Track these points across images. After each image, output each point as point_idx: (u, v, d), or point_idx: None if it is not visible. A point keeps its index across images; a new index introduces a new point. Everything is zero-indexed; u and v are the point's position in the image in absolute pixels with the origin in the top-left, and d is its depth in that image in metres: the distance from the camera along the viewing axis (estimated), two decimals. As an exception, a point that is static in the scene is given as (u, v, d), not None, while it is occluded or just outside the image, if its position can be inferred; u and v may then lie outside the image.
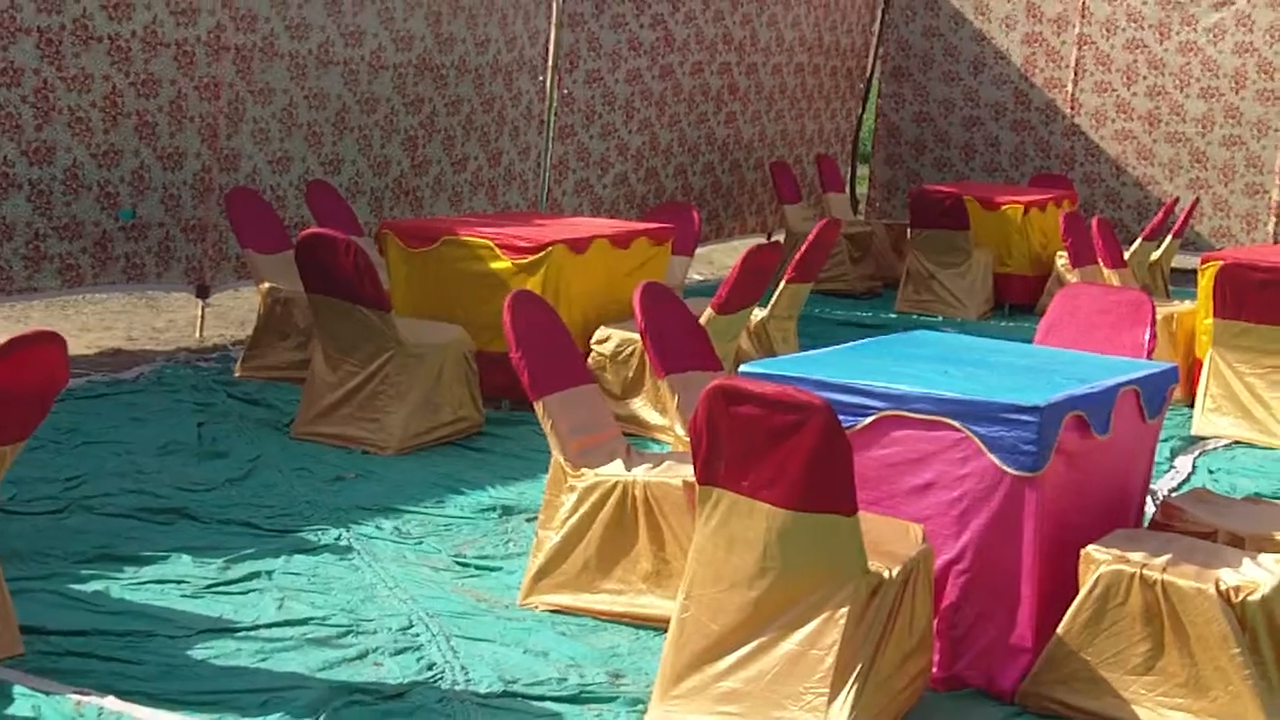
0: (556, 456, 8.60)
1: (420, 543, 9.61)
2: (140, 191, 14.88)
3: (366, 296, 11.45)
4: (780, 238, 21.04)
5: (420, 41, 17.17)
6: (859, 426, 7.61)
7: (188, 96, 15.07)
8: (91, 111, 14.39)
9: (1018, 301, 19.78)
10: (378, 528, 9.80)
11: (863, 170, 25.20)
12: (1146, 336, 9.88)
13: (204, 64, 15.14)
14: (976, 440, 7.58)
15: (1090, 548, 7.53)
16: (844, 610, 6.83)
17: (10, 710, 6.95)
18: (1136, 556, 7.38)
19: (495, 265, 12.91)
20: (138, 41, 14.59)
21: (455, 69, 17.66)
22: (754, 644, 6.98)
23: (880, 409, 7.77)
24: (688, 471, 8.11)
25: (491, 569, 9.22)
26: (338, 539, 9.56)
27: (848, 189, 23.58)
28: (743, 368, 8.14)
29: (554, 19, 19.19)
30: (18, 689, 7.11)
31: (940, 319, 18.39)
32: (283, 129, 16.01)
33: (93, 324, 15.54)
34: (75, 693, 7.13)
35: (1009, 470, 7.54)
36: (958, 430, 7.62)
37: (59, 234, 14.37)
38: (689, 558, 7.14)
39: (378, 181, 17.09)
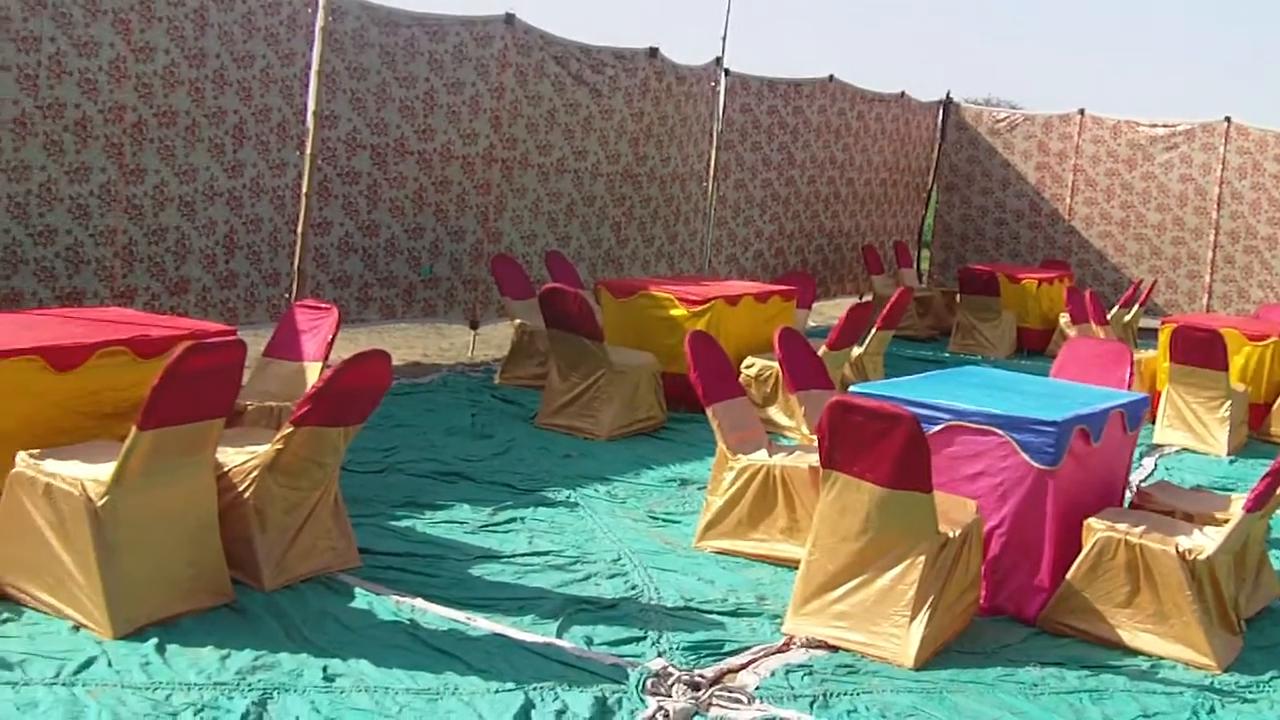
0: (720, 446, 8.63)
1: (624, 502, 9.63)
2: (435, 255, 15.06)
3: (588, 331, 11.55)
4: (869, 298, 21.03)
5: (624, 158, 17.23)
6: (932, 431, 7.60)
7: (469, 193, 15.22)
8: (405, 202, 14.59)
9: (1033, 347, 19.66)
10: (595, 490, 9.83)
11: (925, 253, 25.07)
12: (1127, 375, 9.85)
13: (481, 170, 15.30)
14: (1014, 443, 7.60)
15: (1090, 520, 7.57)
16: (921, 558, 6.89)
17: (353, 604, 7.07)
18: (1122, 526, 7.42)
19: (675, 312, 12.94)
20: (437, 155, 14.77)
21: (647, 176, 17.71)
22: (858, 580, 7.04)
23: (947, 419, 7.79)
24: (812, 459, 8.17)
25: (673, 521, 9.22)
26: (568, 498, 9.59)
27: (915, 265, 23.46)
28: (851, 388, 8.14)
29: (714, 144, 19.21)
30: (357, 590, 7.26)
31: (980, 358, 18.29)
32: (530, 215, 16.12)
33: (400, 345, 15.66)
34: (395, 595, 7.23)
35: (1035, 465, 7.57)
36: (1001, 436, 7.63)
37: (381, 283, 14.56)
38: (814, 520, 7.18)
39: (593, 252, 17.17)
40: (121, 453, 6.37)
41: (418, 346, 15.94)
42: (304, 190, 13.13)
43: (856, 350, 13.17)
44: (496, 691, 6.12)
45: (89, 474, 6.48)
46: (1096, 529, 7.48)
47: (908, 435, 6.74)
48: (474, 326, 15.75)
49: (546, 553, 8.26)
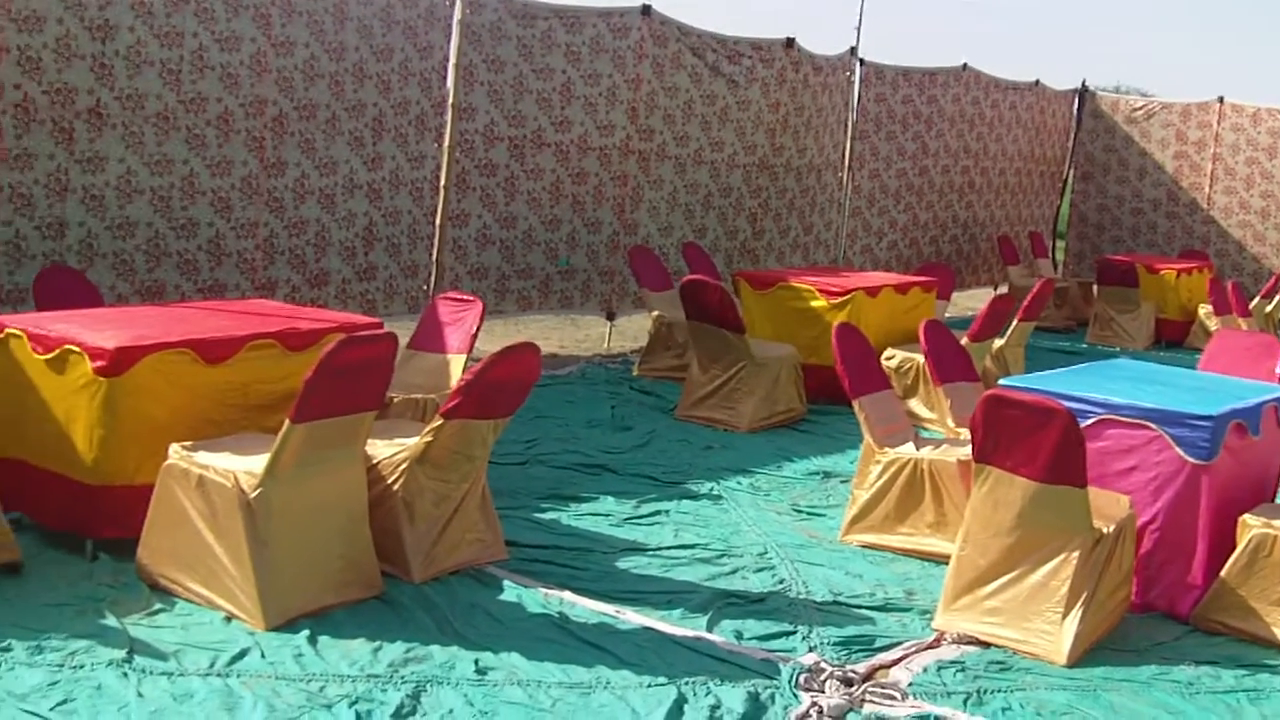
0: (867, 439, 8.55)
1: (768, 494, 9.57)
2: (572, 247, 15.07)
3: (729, 323, 11.49)
4: (1005, 289, 20.83)
5: (760, 149, 17.15)
6: (1084, 425, 7.47)
7: (606, 184, 15.22)
8: (542, 194, 14.62)
9: (1171, 339, 19.38)
10: (738, 483, 9.78)
11: (1059, 243, 24.77)
12: (1278, 368, 9.69)
13: (617, 162, 15.29)
14: (1167, 438, 7.47)
15: (1245, 516, 7.43)
16: (1075, 554, 6.79)
17: (501, 597, 7.08)
18: (1278, 523, 7.24)
19: (815, 303, 12.85)
20: (574, 147, 14.78)
21: (783, 167, 17.62)
22: (1010, 575, 6.95)
23: (1099, 413, 7.67)
24: (960, 453, 8.09)
25: (818, 514, 9.16)
26: (711, 490, 9.55)
27: (1050, 256, 23.21)
28: (1002, 381, 8.03)
29: (849, 134, 19.08)
30: (506, 583, 7.27)
31: (1118, 349, 18.07)
32: (667, 207, 16.09)
33: (536, 336, 15.62)
34: (543, 587, 7.23)
35: (1189, 460, 7.44)
36: (1154, 430, 7.51)
37: (518, 275, 14.60)
38: (965, 514, 7.09)
39: (730, 244, 17.11)
40: (275, 445, 6.40)
41: (553, 338, 15.94)
42: (442, 182, 13.16)
43: (998, 342, 13.02)
44: (649, 686, 6.09)
45: (242, 466, 6.52)
46: (1252, 525, 7.32)
47: (1063, 429, 6.63)
48: (610, 318, 15.76)
49: (692, 546, 8.22)
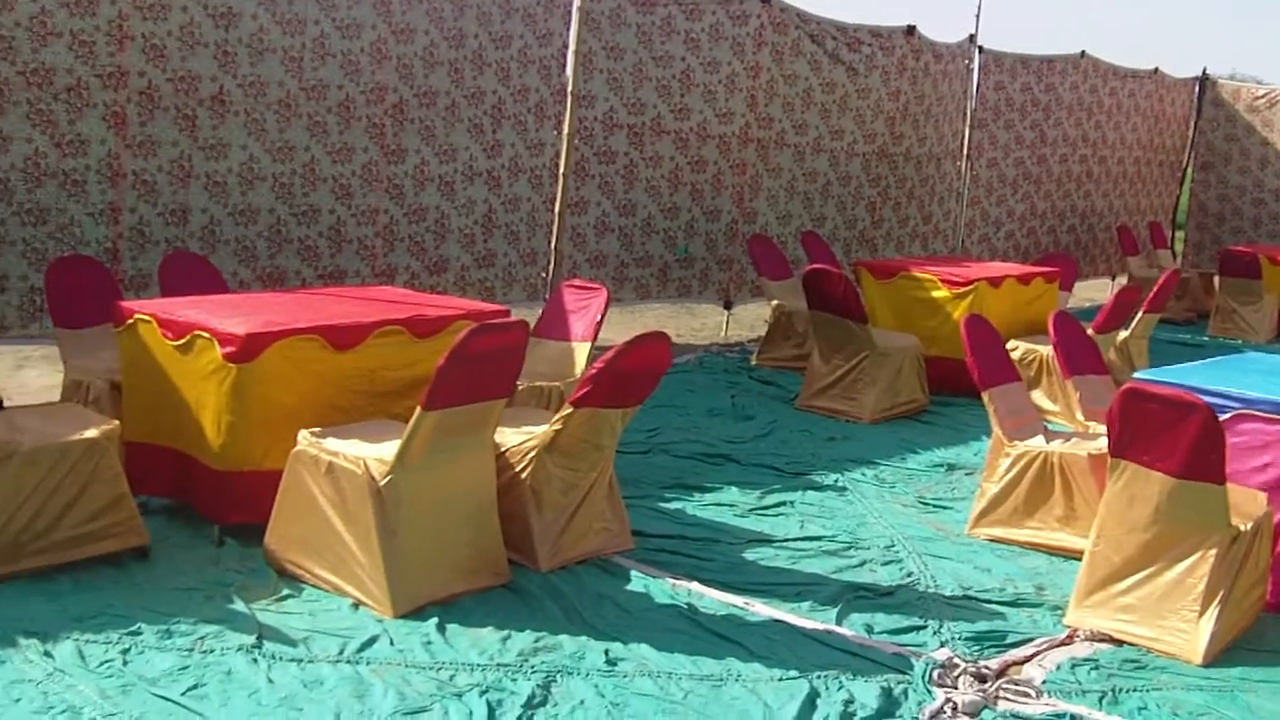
0: (996, 431, 8.43)
1: (893, 486, 9.47)
2: (690, 236, 15.03)
3: (852, 312, 11.39)
4: (1124, 279, 20.62)
5: (880, 137, 17.04)
6: (1221, 420, 7.34)
7: (724, 172, 15.16)
8: (661, 182, 14.59)
9: (1295, 332, 19.12)
10: (862, 475, 9.68)
11: (1178, 234, 24.45)
12: None
13: (736, 150, 15.23)
14: (1307, 433, 7.32)
15: (1385, 514, 7.24)
16: (1213, 552, 6.65)
17: (629, 587, 7.03)
18: None
19: (937, 293, 12.73)
20: (693, 134, 14.72)
21: (903, 156, 17.50)
22: (1145, 572, 6.82)
23: (1236, 408, 7.52)
24: (1090, 446, 7.97)
25: (943, 507, 9.05)
26: (835, 481, 9.46)
27: (1170, 246, 22.91)
28: (1137, 374, 7.91)
29: (968, 123, 18.90)
30: (633, 573, 7.22)
31: (1240, 341, 17.78)
32: (786, 195, 16.02)
33: (652, 324, 15.60)
34: (671, 578, 7.18)
35: (1329, 456, 7.27)
36: (1293, 425, 7.36)
37: (636, 263, 14.57)
38: (1099, 509, 6.97)
39: (848, 232, 17.03)
40: (406, 432, 6.38)
41: (670, 326, 15.87)
42: (561, 170, 13.13)
43: (1122, 334, 12.84)
44: (780, 679, 6.02)
45: (372, 453, 6.50)
46: (1391, 523, 7.18)
47: (1202, 424, 6.50)
48: (728, 306, 15.71)
49: (819, 538, 8.14)
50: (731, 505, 8.68)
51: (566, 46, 13.31)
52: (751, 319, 16.57)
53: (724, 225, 15.39)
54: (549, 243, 13.36)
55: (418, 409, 6.32)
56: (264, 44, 11.14)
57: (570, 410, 6.96)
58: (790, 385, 12.45)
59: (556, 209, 13.19)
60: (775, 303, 13.73)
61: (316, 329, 7.26)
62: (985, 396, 8.47)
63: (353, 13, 11.68)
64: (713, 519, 8.36)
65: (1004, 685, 6.19)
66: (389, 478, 6.39)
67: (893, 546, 8.07)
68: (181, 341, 7.23)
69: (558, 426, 7.01)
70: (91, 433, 6.76)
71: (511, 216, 13.30)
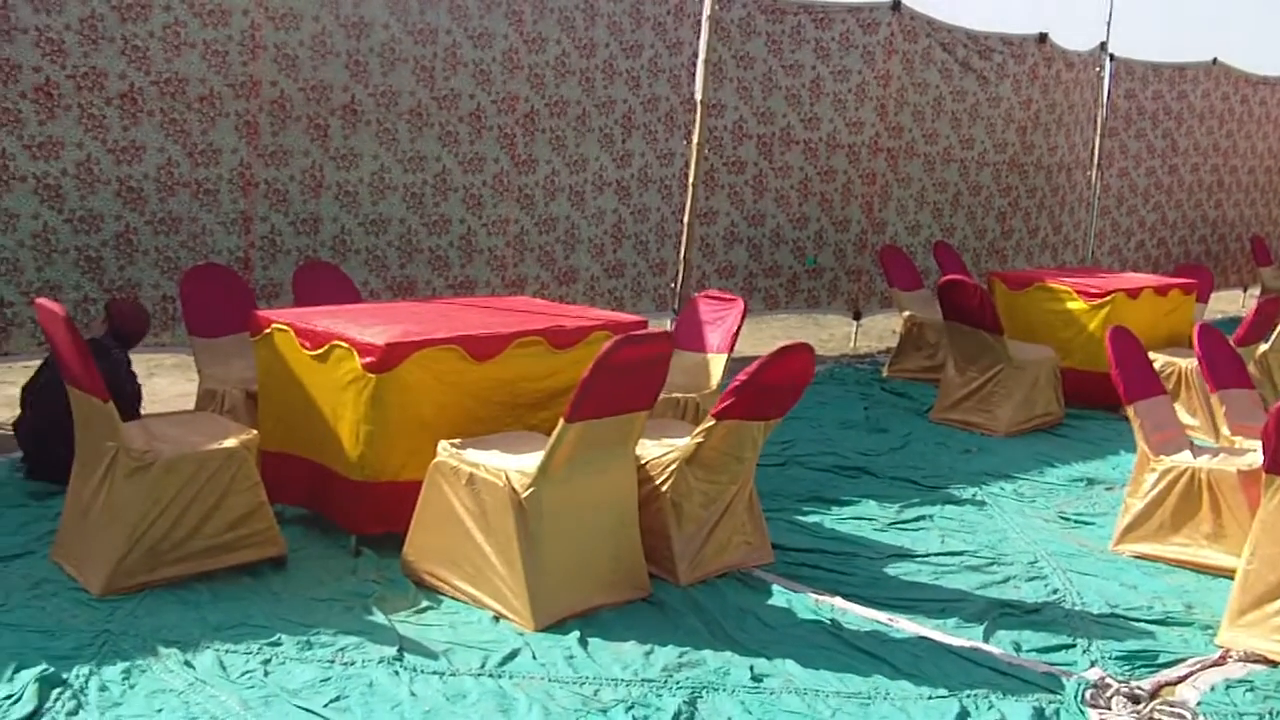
0: (1141, 446, 8.25)
1: (1032, 501, 9.32)
2: (819, 246, 14.93)
3: (987, 324, 11.24)
4: (1255, 292, 20.31)
5: (1011, 146, 16.85)
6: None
7: (854, 182, 15.06)
8: (790, 192, 14.53)
9: None
10: (1000, 489, 9.54)
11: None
12: None
13: (866, 160, 15.12)
14: None
15: None
16: (1374, 569, 6.46)
17: (770, 601, 6.95)
18: None
19: (1072, 305, 12.54)
20: (823, 144, 14.62)
21: (1033, 165, 17.30)
22: (1304, 591, 6.63)
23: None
24: (1240, 462, 7.81)
25: (1085, 523, 8.88)
26: (974, 495, 9.32)
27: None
28: (1291, 388, 7.75)
29: (1098, 131, 18.67)
30: (774, 587, 7.14)
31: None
32: (916, 205, 15.89)
33: (779, 335, 15.47)
34: (813, 593, 7.08)
35: None
36: None
37: (765, 273, 14.51)
38: (1253, 527, 6.79)
39: (978, 243, 16.86)
40: (549, 444, 6.32)
41: (797, 337, 15.64)
42: (690, 180, 13.08)
43: (1262, 347, 12.59)
44: (929, 698, 5.91)
45: (513, 465, 6.46)
46: None
47: (1363, 439, 6.34)
48: (857, 317, 15.58)
49: (960, 553, 8.01)
50: (870, 519, 8.57)
51: (696, 55, 13.25)
52: (879, 330, 16.45)
53: (853, 235, 15.27)
54: (678, 253, 13.30)
55: (561, 420, 6.27)
56: (396, 53, 11.16)
57: (712, 422, 6.89)
58: (923, 397, 12.33)
59: (685, 219, 13.13)
60: (906, 314, 13.60)
61: (456, 339, 7.22)
62: (1130, 410, 8.30)
63: (484, 22, 11.68)
64: (852, 533, 8.26)
65: (1158, 707, 6.04)
66: (531, 490, 6.34)
67: (1036, 562, 7.92)
68: (319, 351, 7.23)
69: (699, 439, 6.94)
70: (230, 442, 6.77)
71: (641, 226, 13.25)
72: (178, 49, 10.06)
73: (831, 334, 16.27)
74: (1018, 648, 6.58)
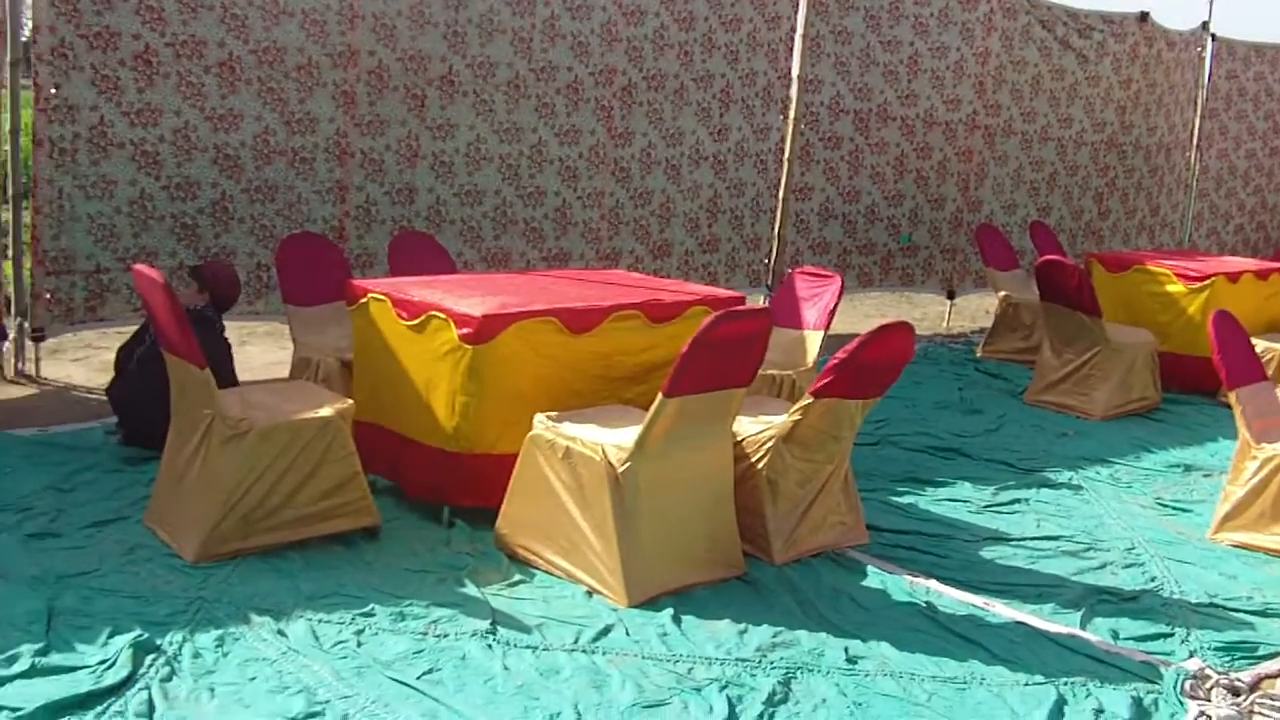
0: (1243, 433, 8.12)
1: (1129, 486, 9.20)
2: (914, 224, 14.83)
3: (1085, 306, 11.12)
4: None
5: (1109, 126, 16.67)
6: None
7: (950, 160, 14.94)
8: (886, 169, 14.44)
9: None
10: (1096, 473, 9.42)
11: None
12: None
13: (962, 137, 15.00)
14: None
15: None
16: None
17: (865, 582, 6.89)
18: None
19: (1171, 288, 12.38)
20: (920, 121, 14.51)
21: (1132, 146, 17.10)
22: None
23: None
24: (1346, 450, 7.65)
25: (1183, 510, 8.75)
26: (1070, 479, 9.21)
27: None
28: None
29: (1198, 112, 18.45)
30: (869, 568, 7.07)
31: None
32: (1012, 184, 15.75)
33: (871, 313, 15.44)
34: (908, 575, 7.02)
35: None
36: None
37: (859, 250, 14.43)
38: (1359, 516, 6.69)
39: (1074, 223, 16.68)
40: (646, 419, 6.28)
41: (890, 315, 15.62)
42: (786, 155, 13.03)
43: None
44: (1026, 684, 5.83)
45: (609, 439, 6.42)
46: None
47: None
48: (951, 296, 15.47)
49: (1057, 537, 7.91)
50: (965, 501, 8.49)
51: (794, 30, 13.20)
52: (973, 310, 16.32)
53: (948, 214, 15.16)
54: (772, 228, 13.26)
55: (659, 395, 6.22)
56: (494, 24, 11.15)
57: (810, 400, 6.82)
58: (1017, 378, 12.22)
59: (780, 194, 13.09)
60: (1002, 294, 13.47)
61: (553, 311, 7.18)
62: (1232, 397, 8.18)
63: (583, -6, 11.69)
64: (946, 515, 8.18)
65: (1259, 700, 5.94)
66: (627, 464, 6.30)
67: (1134, 549, 7.81)
68: (415, 321, 7.21)
69: (797, 417, 6.87)
70: (326, 411, 6.76)
71: (736, 201, 13.19)
72: (276, 18, 10.08)
73: (924, 313, 16.16)
74: (1115, 635, 6.48)
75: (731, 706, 5.39)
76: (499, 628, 5.96)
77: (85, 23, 9.38)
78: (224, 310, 8.39)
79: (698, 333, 6.17)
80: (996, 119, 15.32)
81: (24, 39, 9.51)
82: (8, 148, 9.58)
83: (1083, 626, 6.55)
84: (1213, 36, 18.28)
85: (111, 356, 8.64)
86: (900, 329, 6.83)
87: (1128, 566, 7.51)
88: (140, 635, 5.54)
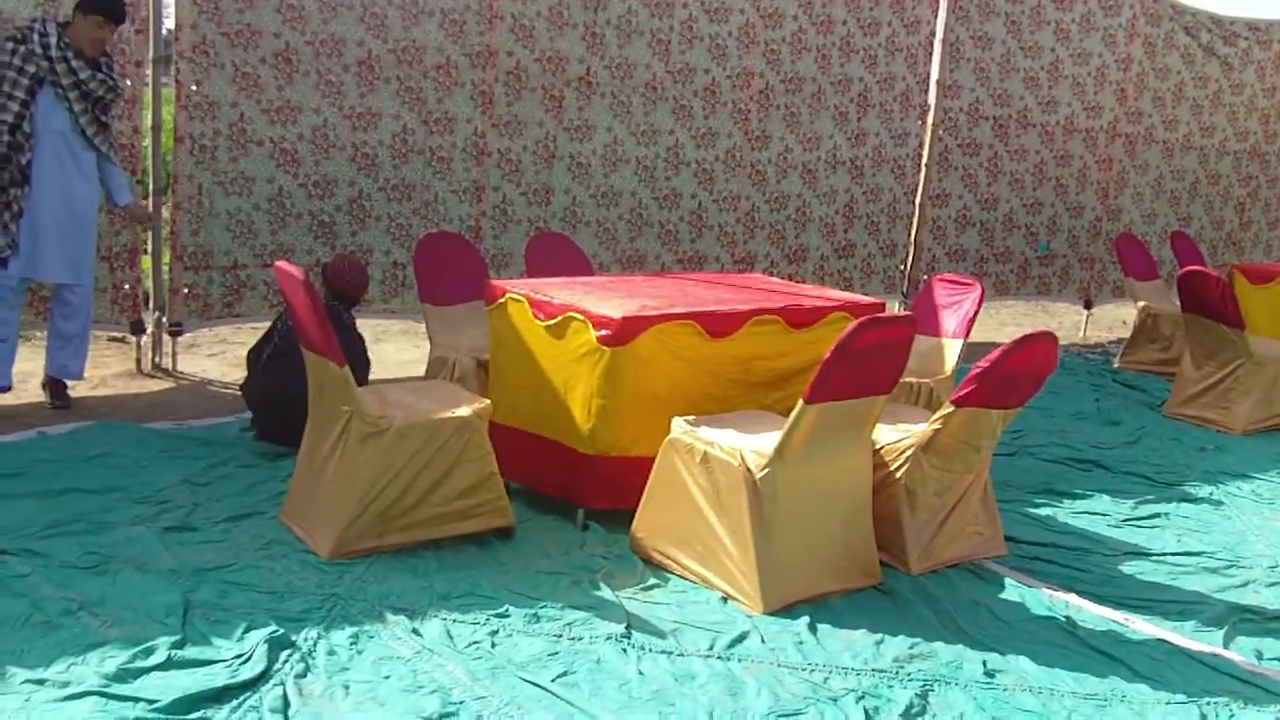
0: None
1: (1271, 503, 9.03)
2: (1052, 232, 14.72)
3: (1228, 317, 10.94)
4: None
5: (1253, 136, 16.45)
6: None
7: (1090, 168, 14.81)
8: (1025, 176, 14.29)
9: None
10: (1238, 489, 9.26)
11: None
12: None
13: (1103, 145, 14.85)
14: None
15: None
16: None
17: (1002, 595, 6.80)
18: None
19: (1317, 301, 12.23)
20: (1059, 128, 14.38)
21: (1276, 156, 16.86)
22: None
23: None
24: None
25: (1328, 528, 8.62)
26: (1210, 494, 9.07)
27: None
28: None
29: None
30: (1007, 580, 6.99)
31: None
32: (1152, 193, 15.56)
33: (1006, 322, 15.35)
34: (1047, 588, 6.93)
35: None
36: None
37: (996, 258, 14.32)
38: None
39: (1215, 234, 16.47)
40: (786, 425, 6.24)
41: (1025, 324, 15.52)
42: (924, 161, 12.95)
43: None
44: (1168, 703, 5.73)
45: (748, 444, 6.39)
46: None
47: None
48: (1088, 306, 15.30)
49: (1198, 553, 7.78)
50: (1104, 514, 8.37)
51: (934, 35, 13.11)
52: (1109, 320, 16.14)
53: (1087, 222, 15.00)
54: (909, 235, 13.17)
55: (800, 401, 6.18)
56: (632, 26, 11.15)
57: (951, 409, 6.75)
58: (1156, 390, 12.06)
59: (917, 200, 13.01)
60: (1141, 304, 13.30)
61: (692, 315, 7.15)
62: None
63: (723, -4, 11.67)
64: (1085, 528, 8.07)
65: None
66: (766, 470, 6.26)
67: (1277, 568, 7.66)
68: (553, 322, 7.21)
69: (937, 426, 6.81)
70: (464, 411, 6.77)
71: (872, 207, 13.12)
72: (416, 18, 10.14)
73: (1060, 322, 15.98)
74: (1259, 655, 6.36)
75: (868, 717, 5.33)
76: (634, 632, 5.94)
77: (226, 20, 9.48)
78: (350, 305, 8.38)
79: (841, 339, 6.11)
80: (1138, 126, 15.14)
81: (165, 36, 9.62)
82: (149, 144, 9.67)
83: (1225, 645, 6.43)
84: (1360, 44, 18.00)
85: (245, 352, 8.71)
86: (1044, 339, 6.75)
87: (1271, 585, 7.37)
88: (275, 631, 5.57)
